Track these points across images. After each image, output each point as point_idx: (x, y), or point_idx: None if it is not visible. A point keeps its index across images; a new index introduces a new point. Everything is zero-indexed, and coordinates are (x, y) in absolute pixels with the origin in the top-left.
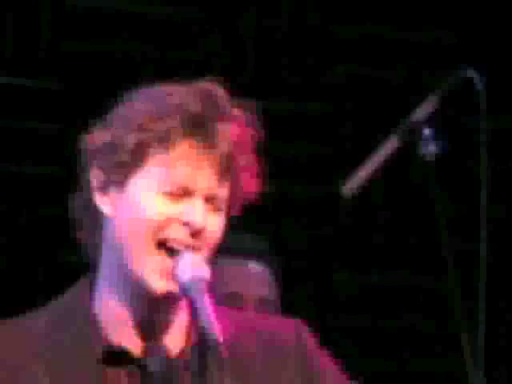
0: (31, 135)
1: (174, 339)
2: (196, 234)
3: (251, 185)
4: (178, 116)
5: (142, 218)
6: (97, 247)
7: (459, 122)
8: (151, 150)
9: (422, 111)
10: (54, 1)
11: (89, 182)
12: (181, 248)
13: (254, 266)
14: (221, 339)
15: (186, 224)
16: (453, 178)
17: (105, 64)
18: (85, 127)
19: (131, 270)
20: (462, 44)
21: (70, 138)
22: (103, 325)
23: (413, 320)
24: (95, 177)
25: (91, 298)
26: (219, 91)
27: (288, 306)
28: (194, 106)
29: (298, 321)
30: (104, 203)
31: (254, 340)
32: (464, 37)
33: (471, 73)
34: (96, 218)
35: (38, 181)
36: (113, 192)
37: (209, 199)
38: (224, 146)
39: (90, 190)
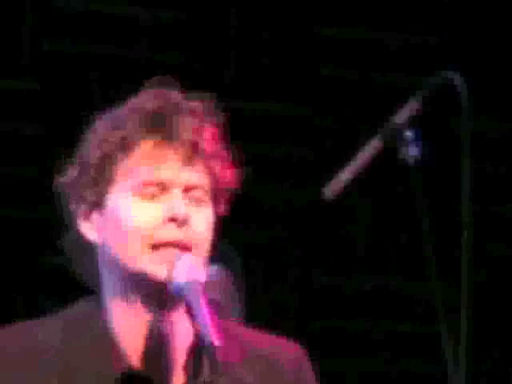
0: (11, 136)
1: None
2: (182, 223)
3: (227, 172)
4: (133, 120)
5: (127, 229)
6: (96, 271)
7: (442, 124)
8: (116, 160)
9: (404, 113)
10: (38, 1)
11: (71, 215)
12: (174, 251)
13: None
14: (216, 341)
15: (169, 219)
16: (435, 180)
17: (87, 65)
18: (66, 128)
19: (131, 270)
20: (446, 46)
21: (50, 139)
22: (118, 343)
23: (395, 324)
24: (75, 208)
25: (102, 315)
26: (174, 90)
27: (266, 310)
28: (149, 106)
29: (301, 347)
30: (89, 229)
31: (250, 357)
32: (448, 39)
33: (453, 74)
34: (88, 247)
35: (19, 182)
36: (95, 216)
37: (188, 189)
38: (185, 135)
39: (74, 223)
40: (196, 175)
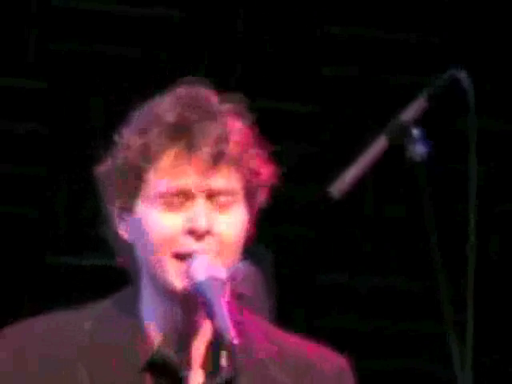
0: (17, 135)
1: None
2: (201, 237)
3: (261, 170)
4: (156, 128)
5: (150, 238)
6: (135, 265)
7: (448, 122)
8: (139, 172)
9: (410, 111)
10: (44, 1)
11: (108, 212)
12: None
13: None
14: (234, 340)
15: (188, 232)
16: (442, 178)
17: (93, 64)
18: (71, 127)
19: (158, 276)
20: (449, 44)
21: (55, 139)
22: (150, 334)
23: (400, 323)
24: (111, 207)
25: (137, 307)
26: (203, 92)
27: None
28: (172, 115)
29: (345, 359)
30: (123, 230)
31: (288, 358)
32: (451, 37)
33: (459, 72)
34: (126, 243)
35: (25, 181)
36: (127, 218)
37: (211, 196)
38: (207, 145)
39: (111, 221)
40: (221, 180)
